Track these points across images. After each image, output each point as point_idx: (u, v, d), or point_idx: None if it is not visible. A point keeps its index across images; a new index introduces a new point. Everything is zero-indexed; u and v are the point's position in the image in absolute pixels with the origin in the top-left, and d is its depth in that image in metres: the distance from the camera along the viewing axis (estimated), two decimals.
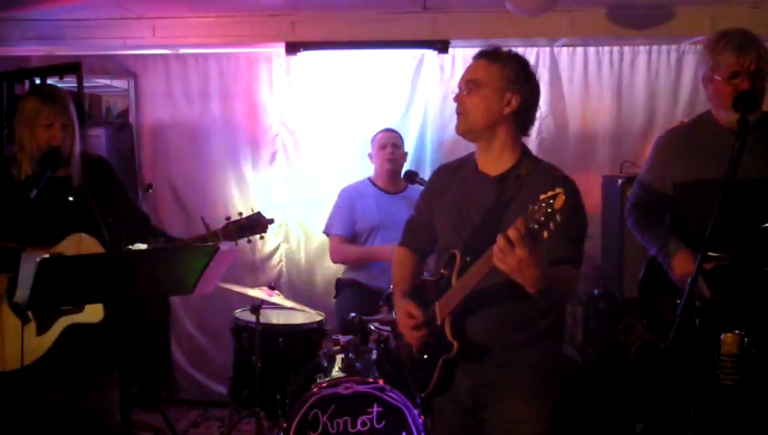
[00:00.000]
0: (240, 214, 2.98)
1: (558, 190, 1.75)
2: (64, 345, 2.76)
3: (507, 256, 1.82)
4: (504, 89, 2.20)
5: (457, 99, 2.25)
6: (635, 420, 3.72)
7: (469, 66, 2.27)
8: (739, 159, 2.27)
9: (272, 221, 3.02)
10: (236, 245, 3.05)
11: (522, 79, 2.22)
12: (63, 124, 2.79)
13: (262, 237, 3.04)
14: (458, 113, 2.25)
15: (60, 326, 2.75)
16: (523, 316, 2.19)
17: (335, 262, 4.33)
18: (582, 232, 2.18)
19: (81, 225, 2.78)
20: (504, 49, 2.27)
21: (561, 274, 2.05)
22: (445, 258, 2.28)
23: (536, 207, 1.77)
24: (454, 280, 2.19)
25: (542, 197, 1.76)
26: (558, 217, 1.74)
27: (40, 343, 2.73)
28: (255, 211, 3.00)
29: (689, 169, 2.64)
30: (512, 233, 1.79)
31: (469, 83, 2.22)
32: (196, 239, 2.93)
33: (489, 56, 2.24)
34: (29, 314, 2.72)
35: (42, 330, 2.73)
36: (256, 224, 2.97)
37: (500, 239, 1.83)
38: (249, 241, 3.00)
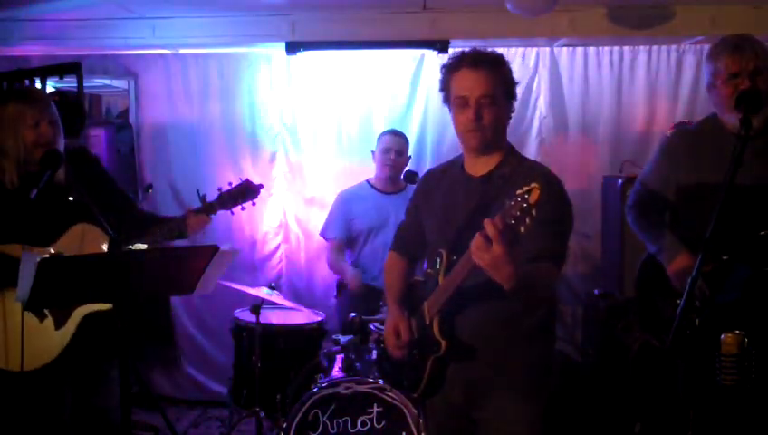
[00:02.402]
0: (230, 184, 3.04)
1: (533, 185, 1.74)
2: (83, 336, 2.76)
3: (483, 252, 1.81)
4: (510, 97, 2.23)
5: (472, 116, 2.17)
6: (634, 420, 3.72)
7: (474, 80, 2.18)
8: (740, 159, 2.27)
9: (261, 186, 3.10)
10: (232, 213, 3.09)
11: (514, 81, 2.25)
12: (50, 122, 2.75)
13: (254, 204, 3.10)
14: (473, 129, 2.19)
15: (77, 318, 2.75)
16: (511, 314, 2.19)
17: (329, 266, 4.36)
18: (563, 228, 2.17)
19: (77, 218, 2.78)
20: (498, 52, 2.25)
21: (538, 271, 2.04)
22: (433, 259, 2.29)
23: (512, 203, 1.76)
24: (440, 279, 2.20)
25: (518, 192, 1.75)
26: (533, 212, 1.73)
27: (59, 338, 2.74)
28: (244, 179, 3.08)
29: (693, 173, 2.64)
30: (489, 229, 1.78)
31: (484, 99, 2.17)
32: (191, 213, 2.94)
33: (490, 65, 2.20)
34: (45, 310, 2.72)
35: (59, 324, 2.74)
36: (247, 190, 3.05)
37: (477, 236, 1.82)
38: (243, 208, 3.07)
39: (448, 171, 2.40)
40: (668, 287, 2.62)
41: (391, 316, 2.40)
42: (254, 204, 3.09)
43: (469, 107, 2.17)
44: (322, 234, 4.36)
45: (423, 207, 2.44)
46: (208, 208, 2.96)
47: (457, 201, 2.28)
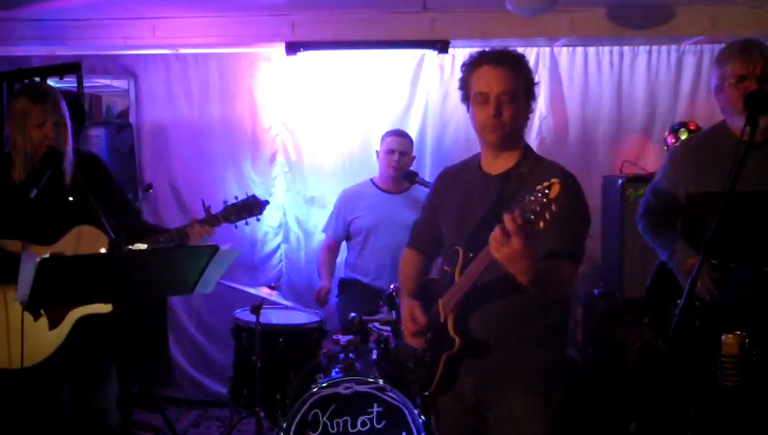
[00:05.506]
0: (236, 197, 3.05)
1: (554, 181, 1.74)
2: (76, 338, 2.77)
3: (502, 245, 1.81)
4: (529, 96, 2.24)
5: (492, 112, 2.18)
6: (630, 419, 3.72)
7: (495, 77, 2.19)
8: (744, 161, 2.27)
9: (267, 202, 3.11)
10: (236, 227, 3.10)
11: (534, 80, 2.27)
12: (55, 123, 2.76)
13: (258, 220, 3.11)
14: (492, 126, 2.19)
15: (72, 319, 2.76)
16: (526, 313, 2.20)
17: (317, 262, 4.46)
18: (580, 227, 2.18)
19: (80, 220, 2.79)
20: (518, 52, 2.27)
21: (555, 268, 2.05)
22: (449, 256, 2.29)
23: (532, 198, 1.76)
24: (457, 276, 2.20)
25: (538, 187, 1.76)
26: (553, 207, 1.73)
27: (52, 338, 2.74)
28: (250, 194, 3.09)
29: (703, 181, 2.64)
30: (508, 223, 1.79)
31: (505, 96, 2.18)
32: (195, 222, 2.95)
33: (512, 64, 2.21)
34: (40, 309, 2.72)
35: (53, 325, 2.74)
36: (253, 205, 3.06)
37: (496, 229, 1.82)
38: (247, 223, 3.08)
39: (465, 170, 2.41)
40: (680, 295, 2.62)
41: (405, 305, 2.40)
42: (258, 219, 3.09)
43: (489, 103, 2.18)
44: (324, 229, 4.42)
45: (439, 205, 2.45)
46: (212, 221, 2.98)
47: (474, 199, 2.29)
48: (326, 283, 4.22)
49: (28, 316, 2.70)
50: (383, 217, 4.11)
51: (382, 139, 4.26)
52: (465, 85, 2.28)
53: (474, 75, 2.23)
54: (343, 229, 4.26)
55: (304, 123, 4.74)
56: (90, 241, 2.78)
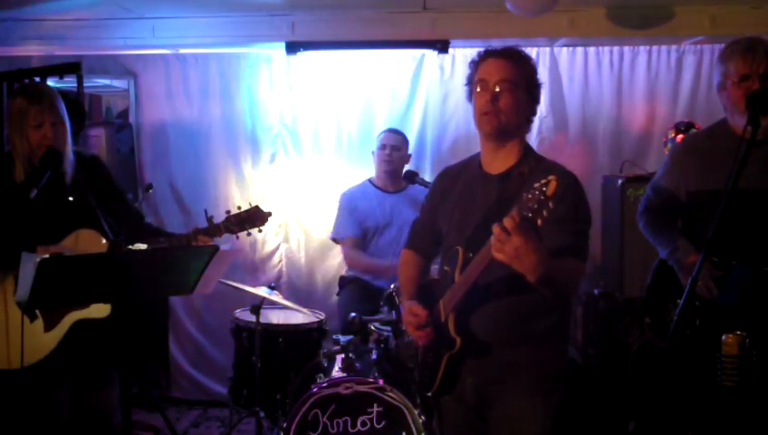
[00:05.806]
0: (239, 208, 3.03)
1: (551, 178, 1.74)
2: (72, 342, 2.76)
3: (504, 244, 1.81)
4: (531, 94, 2.24)
5: (489, 97, 2.19)
6: (630, 418, 3.72)
7: (496, 66, 2.21)
8: (745, 160, 2.27)
9: (270, 214, 3.08)
10: (237, 238, 3.09)
11: (539, 82, 2.27)
12: (53, 123, 2.76)
13: (260, 230, 3.07)
14: (488, 111, 2.20)
15: (67, 323, 2.75)
16: (527, 312, 2.20)
17: (349, 267, 4.27)
18: (584, 225, 2.19)
19: (80, 222, 2.79)
20: (524, 50, 2.28)
21: (564, 265, 2.05)
22: (449, 257, 2.29)
23: (529, 195, 1.77)
24: (457, 275, 2.20)
25: (536, 185, 1.76)
26: (551, 204, 1.73)
27: (48, 340, 2.74)
28: (254, 205, 3.05)
29: (703, 179, 2.64)
30: (507, 221, 1.79)
31: (504, 83, 2.18)
32: (197, 233, 2.94)
33: (515, 58, 2.23)
34: (36, 311, 2.71)
35: (49, 327, 2.74)
36: (256, 217, 3.03)
37: (495, 229, 1.82)
38: (249, 234, 3.05)
39: (465, 170, 2.41)
40: (681, 293, 2.62)
41: (406, 305, 2.40)
42: (260, 231, 3.07)
43: (488, 90, 2.19)
44: (335, 236, 4.29)
45: (439, 205, 2.44)
46: (213, 231, 2.95)
47: (475, 200, 2.29)
48: (383, 264, 3.99)
49: (25, 318, 2.70)
50: (385, 217, 4.11)
51: (377, 137, 4.28)
52: (470, 81, 2.29)
53: (478, 69, 2.25)
54: (359, 226, 4.15)
55: (304, 123, 4.74)
56: (88, 244, 2.77)
